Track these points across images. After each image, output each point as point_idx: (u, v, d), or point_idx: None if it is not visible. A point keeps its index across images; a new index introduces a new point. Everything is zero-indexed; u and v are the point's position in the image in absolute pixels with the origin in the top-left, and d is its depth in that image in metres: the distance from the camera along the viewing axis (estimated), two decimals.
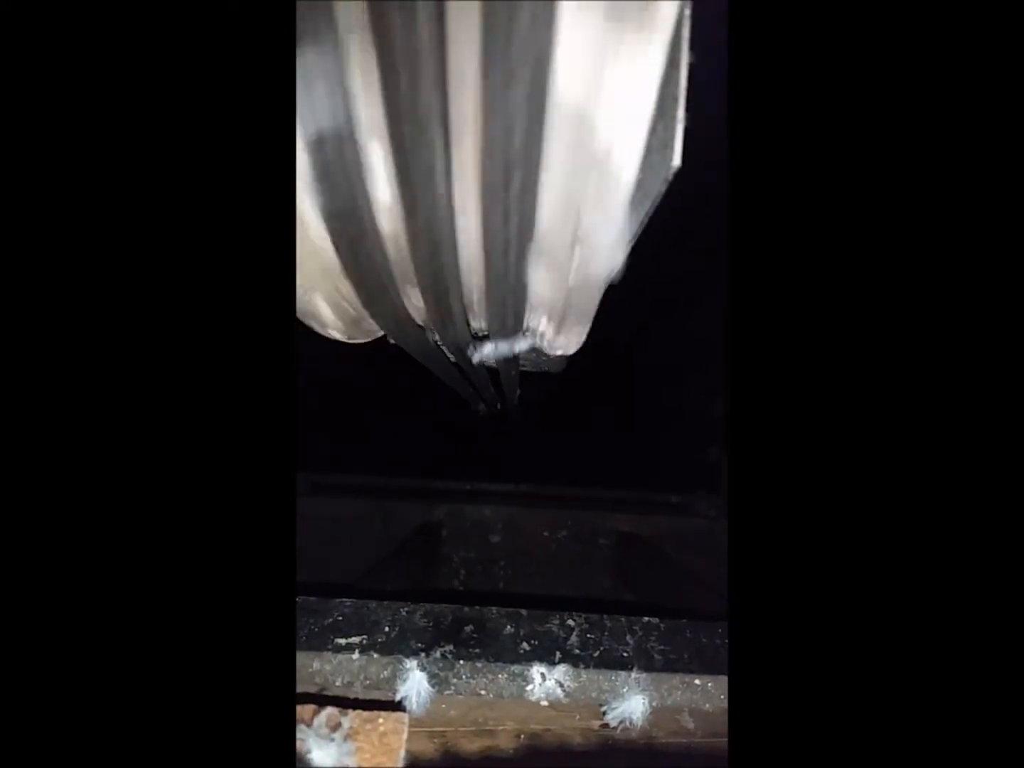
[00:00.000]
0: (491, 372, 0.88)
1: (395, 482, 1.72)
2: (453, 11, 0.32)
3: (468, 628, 0.71)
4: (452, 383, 0.95)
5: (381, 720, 0.54)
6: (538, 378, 1.14)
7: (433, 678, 0.64)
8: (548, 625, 0.73)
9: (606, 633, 0.72)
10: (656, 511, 1.78)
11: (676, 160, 0.38)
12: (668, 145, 0.38)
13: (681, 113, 0.38)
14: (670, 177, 0.39)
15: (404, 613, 0.72)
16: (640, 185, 0.42)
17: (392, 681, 0.63)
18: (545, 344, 0.62)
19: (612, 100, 0.36)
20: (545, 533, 1.74)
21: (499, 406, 1.30)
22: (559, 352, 0.65)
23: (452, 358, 0.76)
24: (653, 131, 0.42)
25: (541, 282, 0.48)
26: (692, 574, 1.54)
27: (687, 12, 0.39)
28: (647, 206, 0.43)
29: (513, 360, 0.72)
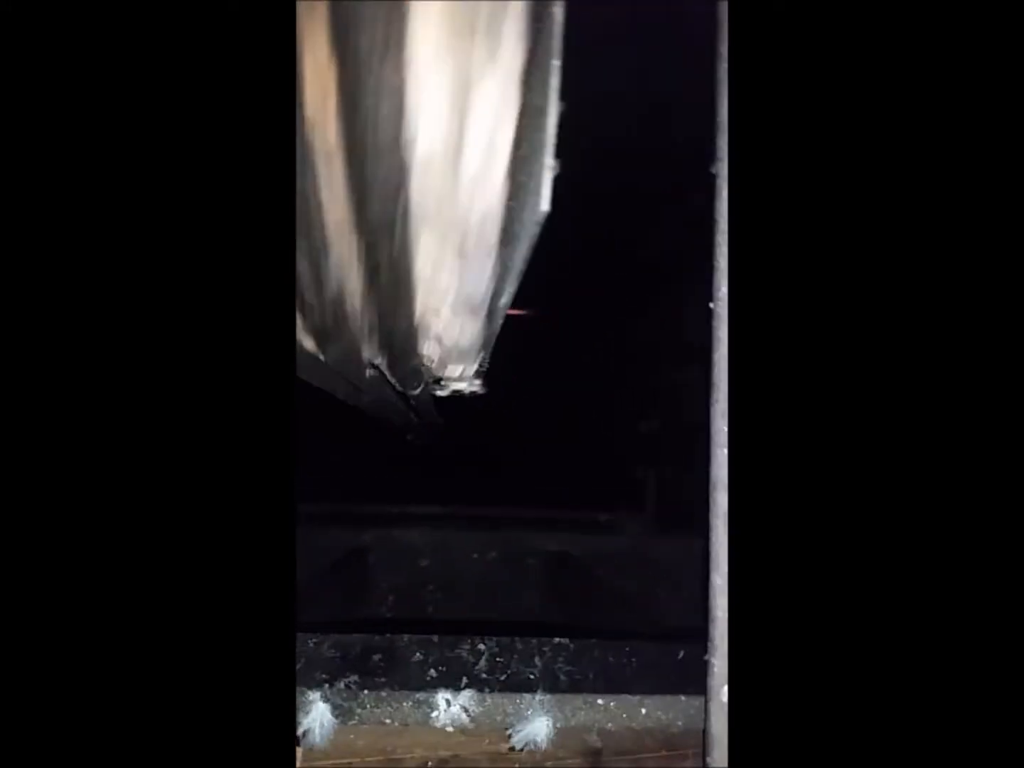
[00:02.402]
0: (402, 396, 0.88)
1: (317, 508, 1.69)
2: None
3: (376, 657, 0.71)
4: (369, 409, 0.95)
5: None
6: (461, 401, 1.16)
7: (336, 709, 0.63)
8: (458, 650, 0.73)
9: (515, 656, 0.73)
10: (584, 530, 1.80)
11: (545, 205, 0.40)
12: (537, 191, 0.40)
13: (550, 160, 0.40)
14: (541, 220, 0.41)
15: (311, 644, 0.71)
16: (508, 227, 0.44)
17: (295, 714, 0.63)
18: (438, 371, 0.63)
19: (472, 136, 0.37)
20: (474, 555, 1.74)
21: (420, 430, 1.30)
22: (455, 381, 0.67)
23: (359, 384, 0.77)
24: (527, 177, 0.44)
25: (422, 303, 0.49)
26: (618, 592, 1.57)
27: (556, 63, 0.41)
28: (525, 246, 0.45)
29: (418, 386, 0.73)
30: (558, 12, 0.40)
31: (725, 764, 0.57)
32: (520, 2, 0.37)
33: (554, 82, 0.41)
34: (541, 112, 0.42)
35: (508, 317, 0.68)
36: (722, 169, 0.57)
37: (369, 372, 0.64)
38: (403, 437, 1.80)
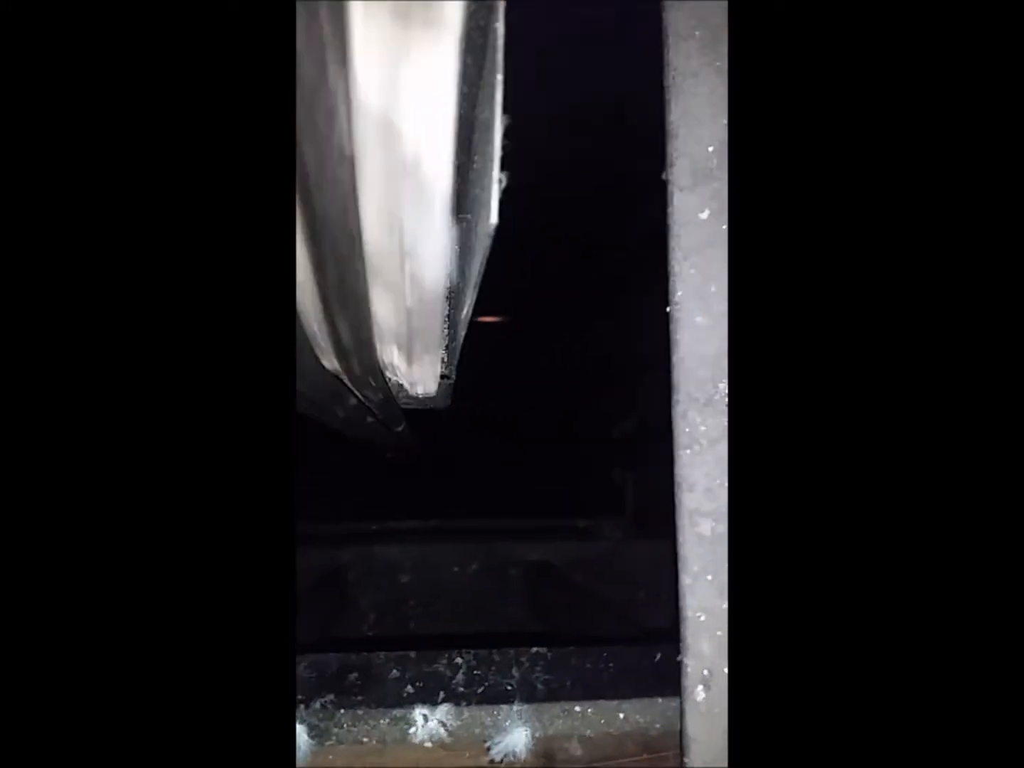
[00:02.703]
0: (371, 411, 0.88)
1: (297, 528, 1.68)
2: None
3: (352, 675, 0.71)
4: (336, 426, 0.95)
5: None
6: (435, 414, 1.16)
7: (312, 730, 0.63)
8: (435, 665, 0.73)
9: (493, 668, 0.73)
10: (564, 537, 1.80)
11: (494, 218, 0.41)
12: (487, 204, 0.41)
13: (496, 173, 0.41)
14: (491, 232, 0.42)
15: None
16: (466, 239, 0.44)
17: None
18: (402, 379, 0.64)
19: (413, 106, 0.38)
20: (455, 568, 1.73)
21: (397, 447, 1.30)
22: (419, 389, 0.67)
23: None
24: (480, 190, 0.44)
25: (381, 303, 0.49)
26: (601, 598, 1.57)
27: (499, 77, 0.41)
28: (480, 258, 0.46)
29: (387, 398, 0.73)
30: (499, 28, 0.41)
31: (702, 763, 0.57)
32: (459, 16, 0.38)
33: (498, 96, 0.41)
34: (488, 126, 0.42)
35: (478, 325, 0.68)
36: (673, 175, 0.58)
37: (335, 390, 0.64)
38: (382, 454, 1.79)
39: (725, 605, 0.56)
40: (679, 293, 0.57)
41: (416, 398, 0.82)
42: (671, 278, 0.57)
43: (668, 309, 0.58)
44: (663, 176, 0.58)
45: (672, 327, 0.58)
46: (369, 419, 0.80)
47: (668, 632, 0.73)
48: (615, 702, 0.68)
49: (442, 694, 0.68)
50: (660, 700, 0.67)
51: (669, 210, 0.58)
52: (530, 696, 0.68)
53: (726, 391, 0.55)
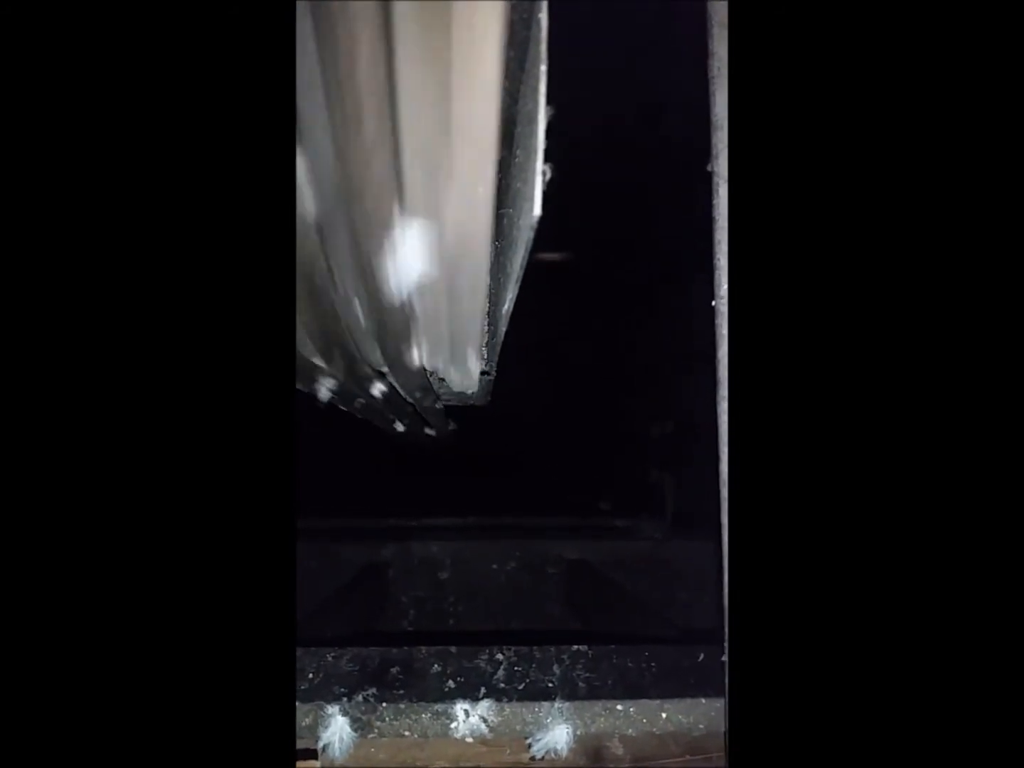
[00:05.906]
0: (411, 405, 0.89)
1: (337, 523, 1.70)
2: None
3: (394, 670, 0.71)
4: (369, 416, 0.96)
5: None
6: (471, 410, 1.16)
7: (355, 722, 0.63)
8: (476, 661, 0.73)
9: (534, 665, 0.72)
10: (602, 536, 1.79)
11: (537, 210, 0.40)
12: (530, 197, 0.41)
13: (540, 166, 0.41)
14: (534, 225, 0.42)
15: (330, 658, 0.71)
16: (507, 233, 0.44)
17: (314, 728, 0.63)
18: (442, 376, 0.64)
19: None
20: (494, 566, 1.73)
21: (429, 437, 1.30)
22: (460, 388, 0.67)
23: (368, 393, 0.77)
24: (522, 183, 0.44)
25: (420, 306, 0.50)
26: (640, 597, 1.56)
27: (543, 68, 0.41)
28: (522, 251, 0.46)
29: (427, 393, 0.74)
30: (543, 18, 0.41)
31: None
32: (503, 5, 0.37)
33: (542, 87, 0.41)
34: (531, 118, 0.42)
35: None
36: (718, 167, 0.57)
37: (378, 386, 0.65)
38: (420, 450, 1.80)
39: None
40: (724, 287, 0.56)
41: (456, 394, 0.82)
42: (716, 271, 0.56)
43: (713, 303, 0.57)
44: (708, 168, 0.57)
45: (717, 321, 0.57)
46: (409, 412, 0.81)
47: (709, 632, 0.72)
48: (657, 701, 0.67)
49: (483, 690, 0.68)
50: (703, 701, 0.66)
51: (714, 202, 0.57)
52: (571, 694, 0.68)
53: None
